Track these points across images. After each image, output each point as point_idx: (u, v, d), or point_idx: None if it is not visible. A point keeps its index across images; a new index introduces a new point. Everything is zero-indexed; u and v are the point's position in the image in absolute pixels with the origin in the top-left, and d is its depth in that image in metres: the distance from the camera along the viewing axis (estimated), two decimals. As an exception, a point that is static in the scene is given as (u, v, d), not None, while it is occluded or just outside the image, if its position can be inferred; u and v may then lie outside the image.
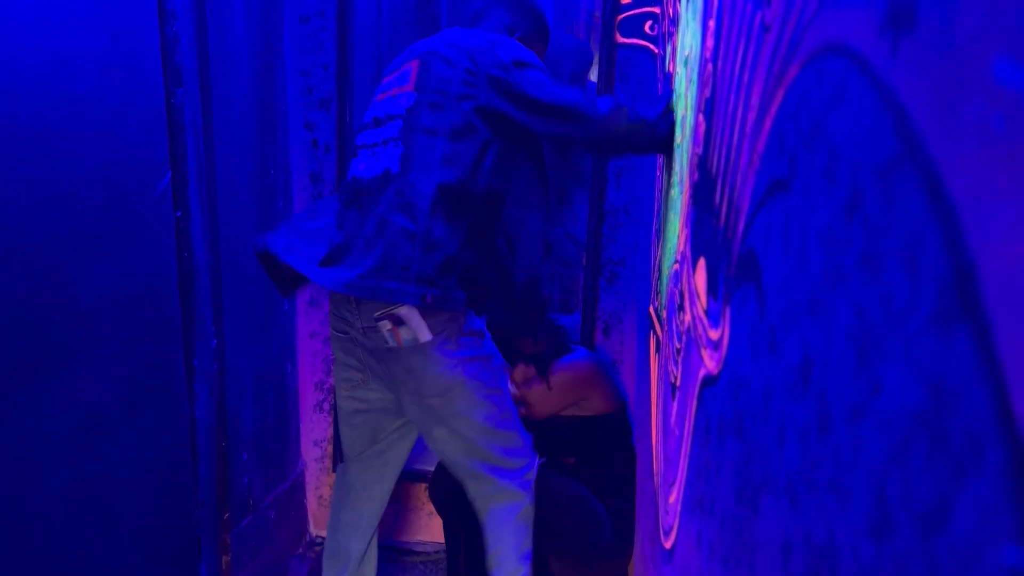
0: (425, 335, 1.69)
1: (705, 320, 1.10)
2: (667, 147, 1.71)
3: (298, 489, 2.73)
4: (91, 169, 1.48)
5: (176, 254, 1.79)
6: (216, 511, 2.07)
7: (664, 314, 1.67)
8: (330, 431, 2.76)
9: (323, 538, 2.80)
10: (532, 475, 1.92)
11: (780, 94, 0.73)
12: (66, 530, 1.47)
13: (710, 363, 1.04)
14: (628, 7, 2.25)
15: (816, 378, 0.57)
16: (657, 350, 1.77)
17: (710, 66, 1.19)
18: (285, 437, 2.61)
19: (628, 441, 2.27)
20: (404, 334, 1.71)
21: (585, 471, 2.22)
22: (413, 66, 1.78)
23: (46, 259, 1.37)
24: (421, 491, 2.74)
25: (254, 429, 2.34)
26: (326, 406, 2.74)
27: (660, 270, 1.82)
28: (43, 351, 1.37)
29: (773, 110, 0.76)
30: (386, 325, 1.71)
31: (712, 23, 1.20)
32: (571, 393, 2.19)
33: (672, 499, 1.37)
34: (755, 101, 0.85)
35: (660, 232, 1.87)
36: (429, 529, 2.73)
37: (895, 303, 0.43)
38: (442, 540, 2.49)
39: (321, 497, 2.82)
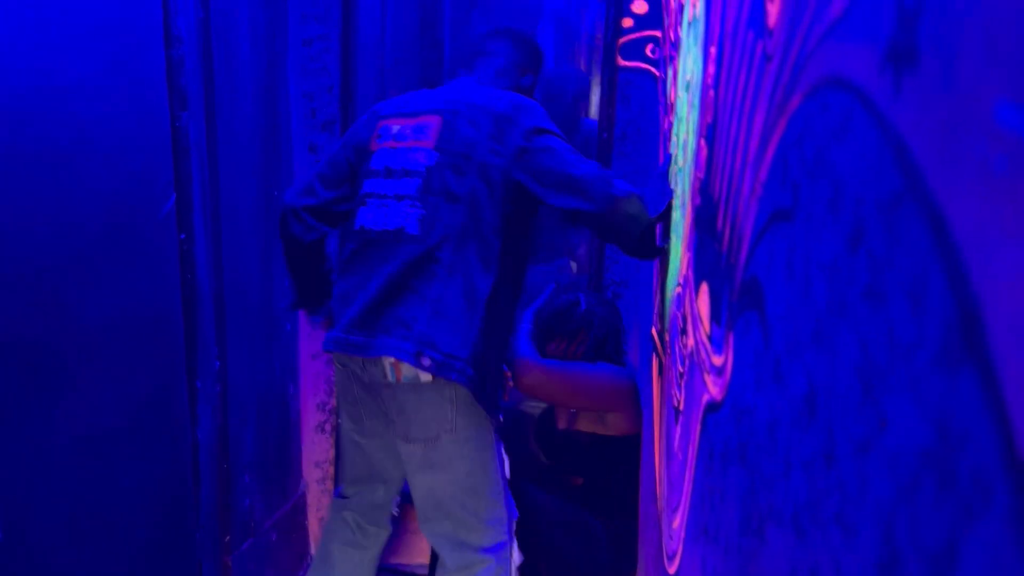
0: (426, 376, 1.66)
1: (708, 345, 1.10)
2: (652, 254, 1.74)
3: (299, 511, 2.72)
4: (96, 192, 1.49)
5: (180, 276, 1.80)
6: (217, 533, 2.06)
7: (667, 337, 1.67)
8: (331, 452, 2.75)
9: (324, 560, 2.78)
10: (508, 557, 1.80)
11: (782, 123, 0.74)
12: (68, 552, 1.47)
13: (714, 389, 1.04)
14: (630, 30, 2.27)
15: (822, 410, 0.57)
16: (660, 372, 1.77)
17: (712, 92, 1.20)
18: (287, 459, 2.60)
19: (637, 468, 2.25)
20: (405, 371, 1.67)
21: (593, 493, 2.20)
22: (434, 122, 1.75)
23: (51, 281, 1.38)
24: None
25: (256, 451, 2.33)
26: (328, 427, 2.73)
27: (662, 292, 1.82)
28: (47, 373, 1.37)
29: (775, 139, 0.76)
30: (389, 359, 1.68)
31: (713, 49, 1.21)
32: (603, 398, 2.14)
33: (676, 524, 1.37)
34: (757, 129, 0.85)
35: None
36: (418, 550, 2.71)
37: (900, 339, 0.43)
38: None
39: (323, 519, 2.81)
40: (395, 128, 1.80)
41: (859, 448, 0.49)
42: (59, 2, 1.37)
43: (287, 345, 2.54)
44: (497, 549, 1.79)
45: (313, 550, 2.82)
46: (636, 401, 2.19)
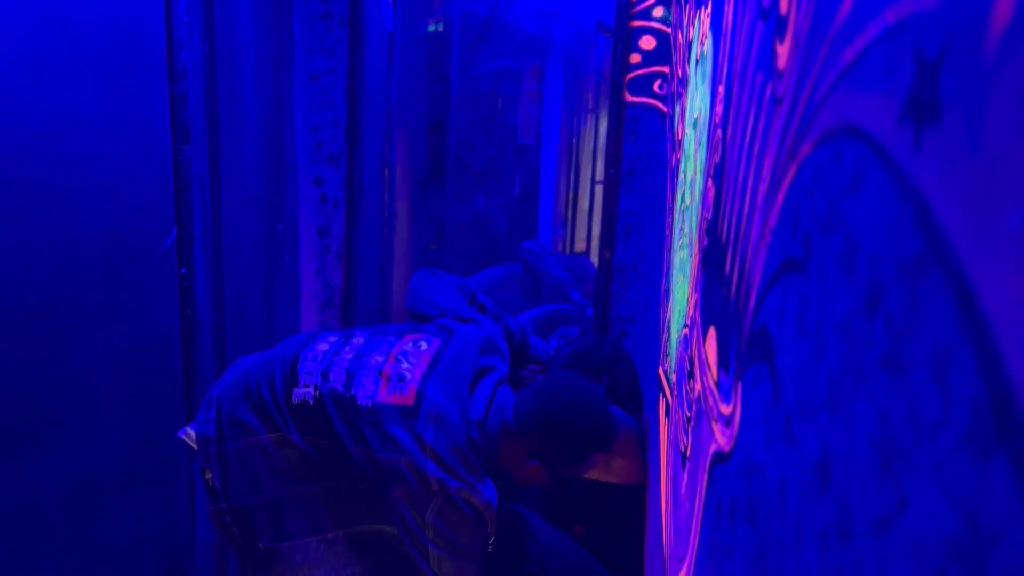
0: None
1: (716, 393, 1.06)
2: None
3: (299, 549, 2.67)
4: (96, 229, 1.47)
5: (180, 311, 1.77)
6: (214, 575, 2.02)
7: (674, 378, 1.63)
8: (333, 489, 2.70)
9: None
10: None
11: (793, 169, 0.71)
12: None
13: (721, 439, 1.00)
14: (637, 66, 2.25)
15: (836, 478, 0.53)
16: (667, 414, 1.73)
17: (719, 131, 1.18)
18: (287, 495, 2.56)
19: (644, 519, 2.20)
20: None
21: (595, 542, 2.15)
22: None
23: (48, 316, 1.35)
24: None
25: (255, 488, 2.29)
26: (329, 463, 2.69)
27: (669, 331, 1.78)
28: (35, 421, 1.34)
29: (785, 185, 0.74)
30: None
31: (721, 89, 1.19)
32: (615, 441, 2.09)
33: (682, 575, 1.32)
34: (766, 173, 0.82)
35: (669, 292, 1.84)
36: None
37: (923, 415, 0.39)
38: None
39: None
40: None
41: (878, 526, 0.45)
42: (62, 37, 1.36)
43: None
44: None
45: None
46: (642, 449, 2.14)
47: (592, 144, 4.62)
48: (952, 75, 0.38)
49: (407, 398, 1.60)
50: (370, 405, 1.59)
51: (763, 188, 0.84)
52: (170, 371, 1.73)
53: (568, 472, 1.73)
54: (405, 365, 1.66)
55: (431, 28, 2.89)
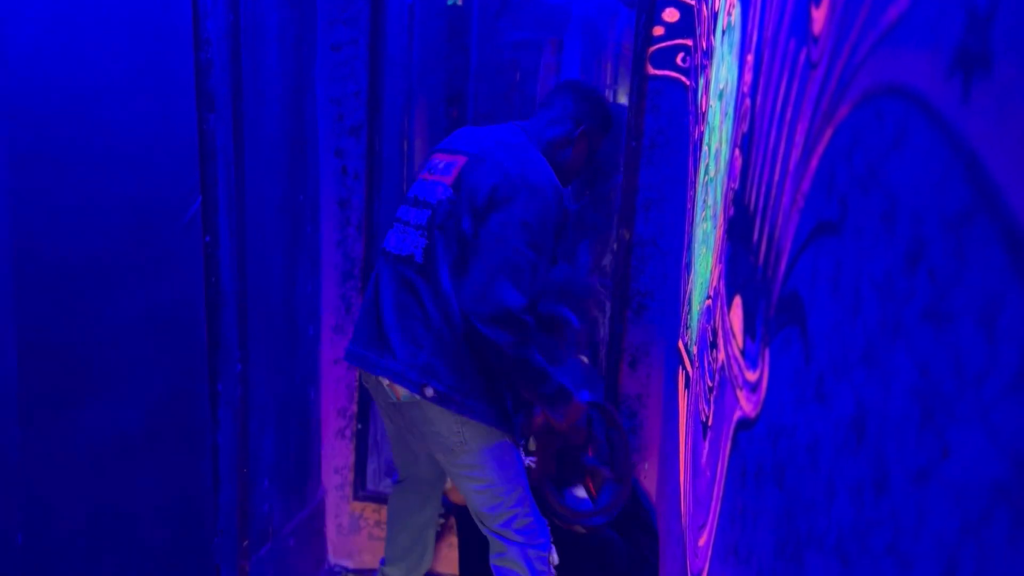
0: (429, 391, 1.73)
1: (741, 360, 1.07)
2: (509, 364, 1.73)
3: (318, 516, 2.71)
4: (122, 194, 1.48)
5: (204, 279, 1.79)
6: (236, 538, 2.05)
7: (695, 350, 1.63)
8: (351, 458, 2.74)
9: (342, 566, 2.77)
10: (540, 555, 1.88)
11: (828, 133, 0.71)
12: (87, 555, 1.46)
13: (747, 405, 1.01)
14: (660, 39, 2.24)
15: (872, 434, 0.54)
16: (687, 386, 1.74)
17: (748, 101, 1.17)
18: (306, 464, 2.59)
19: (636, 510, 2.22)
20: (402, 392, 1.78)
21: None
22: (460, 161, 1.81)
23: (76, 283, 1.37)
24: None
25: (275, 455, 2.32)
26: (348, 433, 2.72)
27: (690, 304, 1.79)
28: (70, 378, 1.37)
29: (820, 149, 0.74)
30: (385, 380, 1.78)
31: (750, 57, 1.19)
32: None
33: (702, 542, 1.33)
34: (799, 139, 0.82)
35: (690, 265, 1.84)
36: (449, 560, 2.69)
37: (967, 364, 0.40)
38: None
39: (340, 525, 2.79)
40: (437, 161, 1.89)
41: (917, 477, 0.46)
42: (89, 4, 1.37)
43: (309, 350, 2.53)
44: (524, 549, 1.87)
45: (331, 556, 2.80)
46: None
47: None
48: (1005, 24, 0.38)
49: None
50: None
51: (795, 154, 0.84)
52: (194, 335, 1.75)
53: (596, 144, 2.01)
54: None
55: (450, 2, 2.88)
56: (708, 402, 1.37)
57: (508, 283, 1.66)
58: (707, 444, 1.35)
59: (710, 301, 1.45)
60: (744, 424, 1.02)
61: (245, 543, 2.09)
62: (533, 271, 1.69)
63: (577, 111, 1.97)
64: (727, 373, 1.18)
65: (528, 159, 1.79)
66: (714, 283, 1.40)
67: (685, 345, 1.82)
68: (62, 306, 1.33)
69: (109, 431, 1.46)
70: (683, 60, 2.22)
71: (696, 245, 1.76)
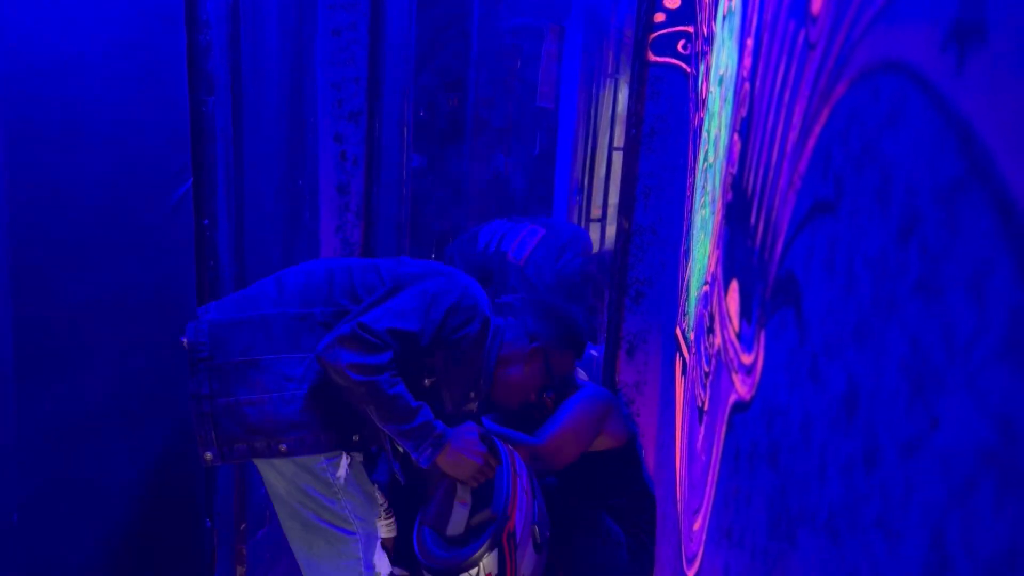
0: None
1: (737, 344, 1.07)
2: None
3: (315, 501, 2.71)
4: (107, 173, 1.47)
5: (201, 262, 1.78)
6: (232, 521, 2.06)
7: (692, 336, 1.64)
8: (349, 444, 2.74)
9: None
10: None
11: (825, 113, 0.71)
12: (82, 535, 1.46)
13: (742, 388, 1.01)
14: (661, 25, 2.23)
15: (863, 409, 0.54)
16: (683, 372, 1.74)
17: (747, 85, 1.17)
18: (304, 449, 2.59)
19: (638, 474, 2.22)
20: None
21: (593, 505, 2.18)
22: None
23: (68, 257, 1.37)
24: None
25: (273, 440, 2.32)
26: (346, 419, 2.72)
27: (688, 291, 1.79)
28: (56, 350, 1.36)
29: (817, 129, 0.74)
30: None
31: (750, 41, 1.18)
32: (592, 430, 2.12)
33: (697, 526, 1.34)
34: (797, 120, 0.82)
35: (689, 252, 1.84)
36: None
37: (957, 333, 0.40)
38: None
39: (338, 510, 2.80)
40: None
41: (905, 449, 0.46)
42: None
43: (307, 335, 2.53)
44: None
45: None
46: (615, 413, 2.18)
47: (611, 110, 4.57)
48: (1001, -6, 0.38)
49: None
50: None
51: (793, 136, 0.84)
52: (187, 319, 1.73)
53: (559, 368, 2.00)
54: None
55: (452, -15, 2.88)
56: (704, 387, 1.37)
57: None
58: (703, 429, 1.35)
59: (707, 287, 1.45)
60: (739, 407, 1.02)
61: (242, 526, 2.10)
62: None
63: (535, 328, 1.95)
64: (723, 357, 1.18)
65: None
66: (712, 269, 1.40)
67: (683, 332, 1.82)
68: (53, 279, 1.33)
69: (103, 411, 1.47)
70: (684, 47, 2.22)
71: (695, 232, 1.76)
